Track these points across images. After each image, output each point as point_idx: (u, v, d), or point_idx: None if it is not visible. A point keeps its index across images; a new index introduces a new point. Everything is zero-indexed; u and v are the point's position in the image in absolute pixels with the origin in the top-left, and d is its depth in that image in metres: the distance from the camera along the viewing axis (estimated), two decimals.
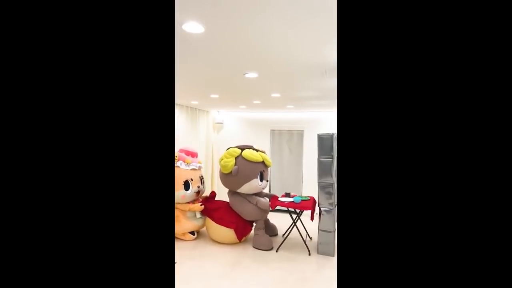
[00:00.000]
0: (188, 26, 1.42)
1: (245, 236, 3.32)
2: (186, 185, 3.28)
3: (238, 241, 3.28)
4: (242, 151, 3.26)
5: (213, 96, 3.83)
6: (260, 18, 1.31)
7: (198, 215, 3.43)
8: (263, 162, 3.30)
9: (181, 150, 3.55)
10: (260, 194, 3.53)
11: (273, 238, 3.53)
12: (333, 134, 3.09)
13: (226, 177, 3.30)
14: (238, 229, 3.22)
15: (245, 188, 3.25)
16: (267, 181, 3.44)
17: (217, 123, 5.98)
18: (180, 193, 3.25)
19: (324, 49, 1.74)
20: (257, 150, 3.35)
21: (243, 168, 3.18)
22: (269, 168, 3.47)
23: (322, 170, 3.10)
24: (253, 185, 3.24)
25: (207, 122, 5.77)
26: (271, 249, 3.21)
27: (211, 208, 3.36)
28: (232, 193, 3.43)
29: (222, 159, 3.33)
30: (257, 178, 3.23)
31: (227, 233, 3.23)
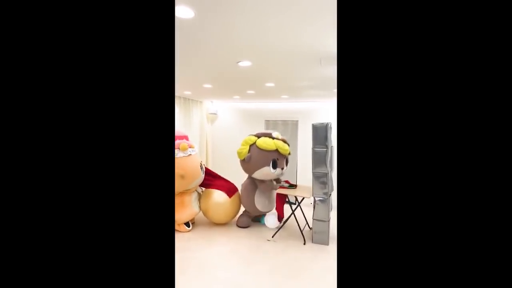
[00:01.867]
0: (177, 11, 1.36)
1: (233, 194, 3.67)
2: (201, 168, 3.51)
3: (233, 215, 3.68)
4: (257, 139, 3.41)
5: (206, 86, 3.76)
6: (253, 3, 1.26)
7: (199, 190, 3.71)
8: (277, 150, 3.37)
9: (177, 137, 3.48)
10: (278, 180, 3.71)
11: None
12: (327, 124, 3.07)
13: (242, 163, 3.56)
14: (228, 189, 3.61)
15: (258, 174, 3.45)
16: (282, 168, 3.50)
17: (211, 113, 5.91)
18: (200, 179, 3.48)
19: (320, 36, 1.69)
20: (273, 138, 3.42)
21: (255, 156, 3.37)
22: (286, 156, 3.56)
23: (317, 160, 3.10)
24: (264, 172, 3.39)
25: (201, 113, 5.69)
26: (248, 227, 3.64)
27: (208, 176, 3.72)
28: (248, 177, 3.68)
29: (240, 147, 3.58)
30: (269, 166, 3.35)
31: (223, 209, 3.52)
